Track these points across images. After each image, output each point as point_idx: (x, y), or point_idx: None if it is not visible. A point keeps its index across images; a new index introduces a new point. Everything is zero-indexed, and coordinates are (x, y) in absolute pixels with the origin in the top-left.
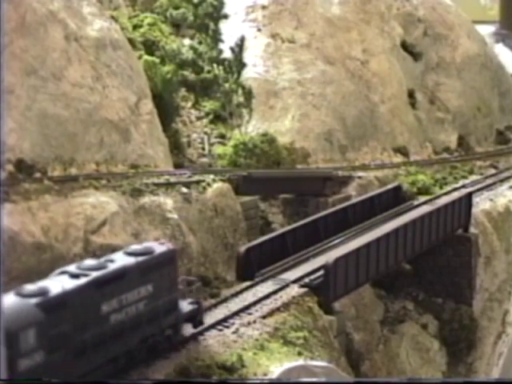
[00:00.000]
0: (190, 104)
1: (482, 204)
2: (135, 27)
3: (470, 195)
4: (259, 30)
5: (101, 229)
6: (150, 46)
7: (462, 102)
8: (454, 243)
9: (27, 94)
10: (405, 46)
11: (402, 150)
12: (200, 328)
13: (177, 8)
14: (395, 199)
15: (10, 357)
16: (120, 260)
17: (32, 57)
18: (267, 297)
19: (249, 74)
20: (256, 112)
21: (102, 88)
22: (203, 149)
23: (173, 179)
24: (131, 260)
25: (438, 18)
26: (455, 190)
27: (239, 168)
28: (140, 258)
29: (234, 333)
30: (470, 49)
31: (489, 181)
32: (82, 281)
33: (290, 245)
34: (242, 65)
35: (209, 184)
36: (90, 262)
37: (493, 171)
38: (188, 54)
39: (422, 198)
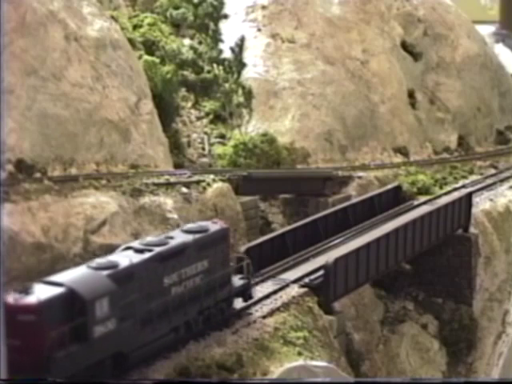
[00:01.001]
0: (190, 104)
1: (482, 204)
2: (135, 27)
3: (470, 195)
4: (259, 30)
5: (101, 229)
6: (150, 46)
7: (462, 102)
8: (454, 243)
9: (27, 94)
10: (405, 46)
11: (401, 150)
12: (249, 302)
13: (177, 8)
14: (395, 199)
15: (87, 324)
16: (179, 237)
17: (32, 57)
18: (267, 297)
19: (249, 74)
20: (256, 112)
21: (102, 88)
22: (203, 149)
23: (173, 179)
24: (189, 237)
25: (438, 18)
26: (455, 190)
27: (239, 168)
28: (197, 236)
29: (234, 333)
30: (470, 49)
31: (489, 181)
32: (147, 255)
33: (290, 245)
34: (242, 65)
35: (209, 184)
36: (152, 238)
37: (493, 171)
38: (188, 54)
39: (422, 198)
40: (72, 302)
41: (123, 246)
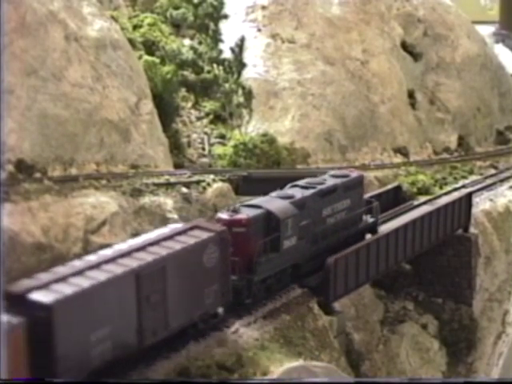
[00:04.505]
0: (190, 104)
1: (481, 204)
2: (135, 27)
3: (469, 195)
4: (259, 30)
5: (101, 229)
6: (150, 47)
7: (461, 103)
8: (454, 243)
9: (27, 95)
10: (405, 47)
11: (401, 151)
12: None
13: (177, 8)
14: (395, 199)
15: (279, 238)
16: (329, 180)
17: (32, 57)
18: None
19: (249, 75)
20: (256, 112)
21: (102, 88)
22: (203, 149)
23: (173, 179)
24: (338, 180)
25: (438, 18)
26: (455, 190)
27: (239, 168)
28: (343, 179)
29: (233, 333)
30: (469, 49)
31: (489, 181)
32: (312, 191)
33: None
34: (242, 65)
35: (209, 184)
36: (311, 179)
37: (493, 171)
38: (188, 55)
39: (422, 198)
40: (269, 220)
41: (290, 184)
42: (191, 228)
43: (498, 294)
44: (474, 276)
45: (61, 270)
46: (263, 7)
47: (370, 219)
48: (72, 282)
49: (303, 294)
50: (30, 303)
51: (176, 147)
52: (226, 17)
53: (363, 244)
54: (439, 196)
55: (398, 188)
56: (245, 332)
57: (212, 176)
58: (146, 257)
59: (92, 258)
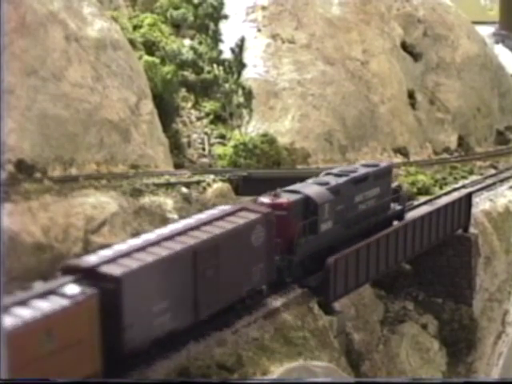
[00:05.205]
0: (190, 104)
1: (481, 204)
2: (135, 27)
3: (469, 195)
4: (259, 30)
5: (101, 229)
6: (150, 47)
7: (461, 103)
8: (454, 243)
9: (27, 95)
10: (405, 47)
11: (401, 151)
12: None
13: (177, 8)
14: (395, 199)
15: (317, 221)
16: (361, 169)
17: (32, 57)
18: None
19: (249, 75)
20: (256, 112)
21: (102, 88)
22: (203, 149)
23: (173, 179)
24: (369, 169)
25: (438, 18)
26: (455, 190)
27: (239, 168)
28: (374, 168)
29: (234, 333)
30: (469, 49)
31: (489, 181)
32: (345, 178)
33: None
34: (242, 65)
35: (209, 184)
36: (344, 167)
37: (493, 171)
38: (188, 55)
39: (422, 198)
40: (308, 204)
41: (324, 172)
42: (239, 209)
43: (498, 294)
44: (474, 276)
45: (122, 246)
46: (263, 7)
47: (397, 207)
48: (136, 257)
49: (303, 294)
50: (101, 276)
51: (176, 147)
52: (226, 17)
53: (363, 244)
54: (439, 196)
55: (398, 188)
56: (245, 332)
57: (212, 176)
58: (201, 235)
59: (151, 237)
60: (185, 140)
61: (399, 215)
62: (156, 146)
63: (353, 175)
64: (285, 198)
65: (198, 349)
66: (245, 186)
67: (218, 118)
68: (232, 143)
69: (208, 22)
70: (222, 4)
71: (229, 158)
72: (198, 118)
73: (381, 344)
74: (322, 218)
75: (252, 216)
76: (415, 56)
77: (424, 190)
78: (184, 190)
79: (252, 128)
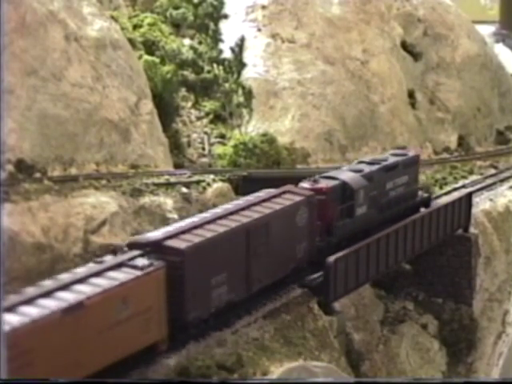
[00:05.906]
0: (190, 104)
1: (481, 204)
2: (135, 27)
3: (470, 195)
4: (259, 30)
5: (101, 229)
6: (150, 46)
7: (461, 102)
8: (454, 243)
9: (27, 94)
10: (405, 46)
11: None
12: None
13: (177, 8)
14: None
15: (353, 206)
16: (390, 158)
17: (32, 57)
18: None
19: (249, 74)
20: (256, 112)
21: (102, 88)
22: (203, 149)
23: (173, 179)
24: (398, 158)
25: (438, 18)
26: (455, 190)
27: (239, 168)
28: (403, 157)
29: (233, 333)
30: (470, 49)
31: (489, 181)
32: (377, 166)
33: None
34: (242, 65)
35: (209, 184)
36: (376, 156)
37: (493, 171)
38: (188, 54)
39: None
40: (344, 189)
41: (357, 161)
42: (284, 192)
43: (498, 294)
44: (474, 276)
45: (181, 224)
46: (263, 7)
47: (424, 194)
48: (196, 233)
49: (303, 294)
50: (167, 249)
51: (176, 147)
52: (225, 17)
53: (363, 244)
54: (439, 196)
55: None
56: (245, 332)
57: (212, 176)
58: (253, 214)
59: (206, 215)
60: (185, 140)
61: (426, 203)
62: (156, 145)
63: (384, 163)
64: (323, 183)
65: (197, 349)
66: (245, 186)
67: (217, 118)
68: (232, 143)
69: (208, 22)
70: (221, 3)
71: (229, 158)
72: (198, 118)
73: (381, 344)
74: (358, 202)
75: (297, 198)
76: (415, 55)
77: (424, 190)
78: (184, 189)
79: (252, 128)
